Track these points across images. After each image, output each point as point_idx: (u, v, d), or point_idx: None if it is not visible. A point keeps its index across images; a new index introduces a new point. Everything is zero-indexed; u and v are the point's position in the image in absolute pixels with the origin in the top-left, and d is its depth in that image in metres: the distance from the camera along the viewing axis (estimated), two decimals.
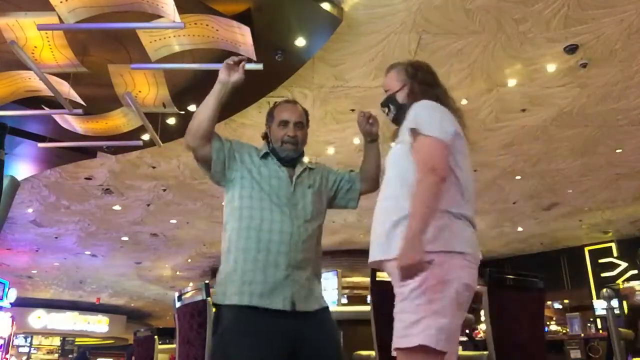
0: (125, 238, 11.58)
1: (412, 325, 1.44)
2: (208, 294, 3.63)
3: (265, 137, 2.05)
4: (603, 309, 8.92)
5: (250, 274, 1.78)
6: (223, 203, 2.02)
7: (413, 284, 1.45)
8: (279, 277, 1.78)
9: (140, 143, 5.60)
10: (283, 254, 1.80)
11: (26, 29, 3.86)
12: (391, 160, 1.71)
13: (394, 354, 1.51)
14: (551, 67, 5.26)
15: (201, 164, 1.95)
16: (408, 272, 1.41)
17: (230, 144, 1.95)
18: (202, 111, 1.87)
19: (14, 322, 14.62)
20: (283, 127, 1.98)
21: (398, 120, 1.79)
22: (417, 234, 1.43)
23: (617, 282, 11.19)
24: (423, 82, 1.77)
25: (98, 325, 21.04)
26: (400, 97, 1.79)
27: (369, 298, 3.31)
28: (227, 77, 1.90)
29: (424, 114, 1.62)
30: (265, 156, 1.97)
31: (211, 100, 1.88)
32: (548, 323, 11.16)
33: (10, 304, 15.36)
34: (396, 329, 1.49)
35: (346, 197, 2.11)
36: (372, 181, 2.11)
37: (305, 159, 2.09)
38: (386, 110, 1.84)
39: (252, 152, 1.98)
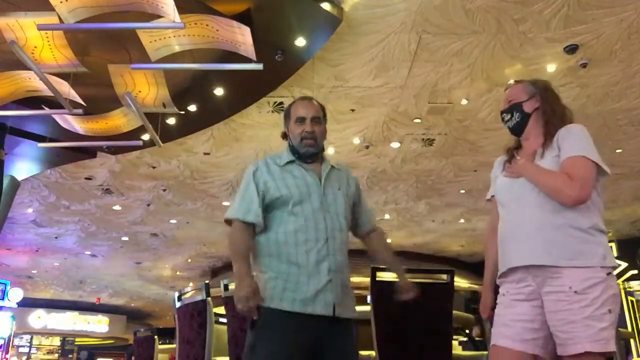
0: (125, 238, 11.58)
1: (602, 331, 1.58)
2: (208, 294, 3.63)
3: (285, 136, 2.03)
4: None
5: (292, 284, 1.78)
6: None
7: (596, 292, 1.61)
8: (322, 283, 1.78)
9: (140, 143, 5.60)
10: (323, 259, 1.80)
11: (26, 29, 3.85)
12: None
13: (566, 353, 1.62)
14: (551, 67, 5.26)
15: None
16: (514, 169, 1.81)
17: (256, 201, 1.87)
18: None
19: (14, 322, 14.64)
20: (300, 124, 1.95)
21: (518, 128, 1.92)
22: (529, 168, 1.79)
23: (617, 282, 11.18)
24: (555, 96, 1.93)
25: (98, 325, 21.02)
26: (527, 107, 1.91)
27: (369, 298, 3.31)
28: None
29: (588, 141, 1.81)
30: (289, 163, 1.95)
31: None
32: None
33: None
34: (583, 334, 1.59)
35: (356, 226, 2.11)
36: (367, 244, 2.16)
37: (331, 150, 2.13)
38: (508, 116, 1.94)
39: (270, 165, 1.94)
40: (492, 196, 1.99)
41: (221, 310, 3.73)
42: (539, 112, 1.89)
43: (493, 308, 1.89)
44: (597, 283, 1.62)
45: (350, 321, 1.87)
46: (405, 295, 2.01)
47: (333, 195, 1.91)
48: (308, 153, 1.94)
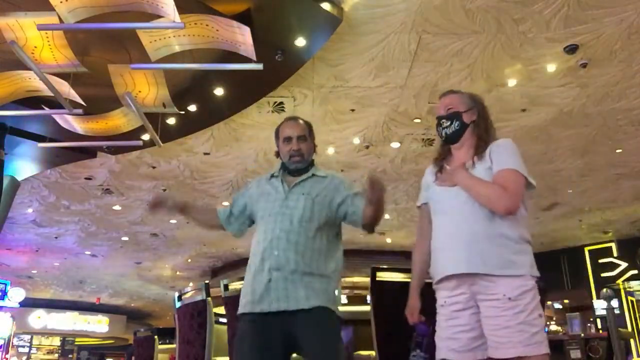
0: (125, 238, 11.58)
1: (534, 335, 1.68)
2: (208, 294, 3.64)
3: (278, 154, 2.24)
4: (603, 309, 8.91)
5: (248, 286, 1.98)
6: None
7: (527, 299, 1.71)
8: (265, 281, 1.92)
9: (140, 143, 5.60)
10: (267, 258, 1.95)
11: (26, 29, 3.85)
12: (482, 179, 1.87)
13: (500, 356, 1.69)
14: (551, 67, 5.26)
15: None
16: (447, 180, 1.86)
17: (236, 203, 2.24)
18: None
19: (14, 322, 14.64)
20: (287, 143, 2.15)
21: (455, 136, 1.97)
22: (464, 177, 1.84)
23: (617, 282, 11.19)
24: (488, 114, 2.03)
25: (98, 325, 21.02)
26: (466, 118, 1.98)
27: (368, 298, 3.31)
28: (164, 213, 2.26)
29: (519, 155, 1.89)
30: (273, 177, 2.17)
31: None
32: (548, 323, 11.14)
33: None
34: (517, 339, 1.68)
35: (352, 220, 2.09)
36: (368, 220, 2.06)
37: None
38: (447, 123, 1.98)
39: (261, 181, 2.21)
40: (423, 204, 2.04)
41: (221, 310, 3.73)
42: (474, 125, 1.97)
43: (421, 312, 1.98)
44: (528, 290, 1.72)
45: (318, 311, 1.88)
46: (372, 191, 1.90)
47: (295, 200, 2.03)
48: (297, 169, 2.13)
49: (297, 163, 2.12)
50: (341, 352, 1.90)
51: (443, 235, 1.88)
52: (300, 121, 2.21)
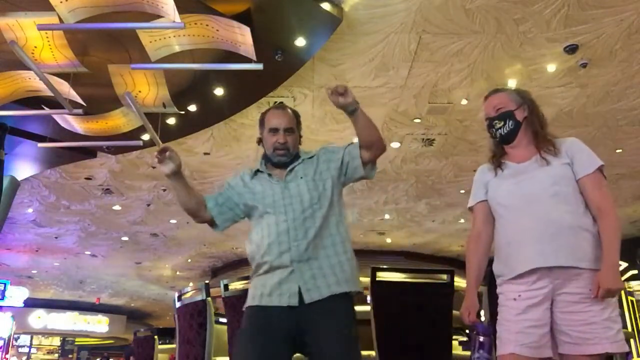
0: (125, 238, 11.59)
1: (618, 332, 1.67)
2: (208, 294, 3.64)
3: (260, 141, 2.10)
4: None
5: (262, 279, 1.89)
6: None
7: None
8: (285, 275, 1.84)
9: (140, 143, 5.60)
10: (285, 252, 1.84)
11: (26, 29, 3.85)
12: (560, 175, 1.85)
13: (583, 352, 1.67)
14: (551, 67, 5.26)
15: (210, 224, 2.12)
16: (612, 294, 1.70)
17: (221, 194, 2.07)
18: (179, 202, 2.06)
19: (14, 322, 14.66)
20: (273, 134, 2.00)
21: (510, 136, 1.94)
22: (616, 268, 1.76)
23: None
24: (537, 106, 1.98)
25: (98, 325, 21.04)
26: (519, 116, 1.95)
27: (369, 298, 3.32)
28: (164, 170, 1.93)
29: (591, 151, 1.91)
30: (256, 173, 2.03)
31: (174, 192, 2.05)
32: None
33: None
34: (604, 335, 1.66)
35: (353, 167, 2.00)
36: (369, 148, 1.96)
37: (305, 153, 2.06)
38: (500, 124, 1.95)
39: (245, 177, 2.05)
40: (480, 202, 1.99)
41: (221, 310, 3.73)
42: (527, 121, 1.95)
43: (477, 312, 1.96)
44: None
45: (335, 299, 1.81)
46: (335, 97, 1.87)
47: (296, 187, 1.93)
48: (280, 162, 1.99)
49: (281, 157, 1.98)
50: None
51: (519, 229, 1.82)
52: (289, 110, 2.07)
